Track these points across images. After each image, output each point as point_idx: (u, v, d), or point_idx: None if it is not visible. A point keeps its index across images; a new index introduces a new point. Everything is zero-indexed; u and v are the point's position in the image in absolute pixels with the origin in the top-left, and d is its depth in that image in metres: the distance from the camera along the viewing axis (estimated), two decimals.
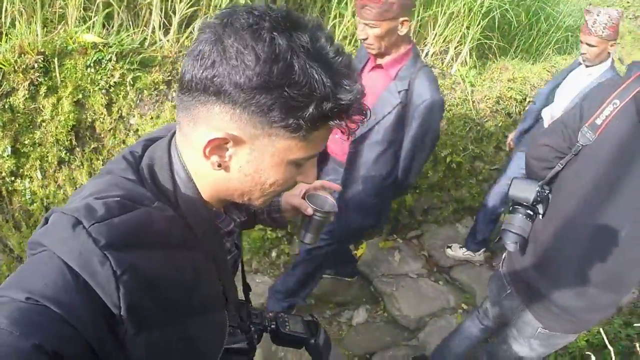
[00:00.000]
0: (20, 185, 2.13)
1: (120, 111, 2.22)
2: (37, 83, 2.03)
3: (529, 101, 3.20)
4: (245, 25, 0.53)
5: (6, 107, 2.00)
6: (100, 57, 2.08)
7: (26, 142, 2.08)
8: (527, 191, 1.29)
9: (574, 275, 1.29)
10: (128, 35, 2.21)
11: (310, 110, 0.54)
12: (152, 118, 2.25)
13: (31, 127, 2.08)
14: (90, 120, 2.18)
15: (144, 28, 2.32)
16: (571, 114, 1.32)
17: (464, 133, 2.95)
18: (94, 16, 2.16)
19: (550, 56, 3.63)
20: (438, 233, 3.09)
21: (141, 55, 2.17)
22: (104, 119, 2.20)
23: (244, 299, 0.94)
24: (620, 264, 1.24)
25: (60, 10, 2.21)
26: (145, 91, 2.20)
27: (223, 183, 0.64)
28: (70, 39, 2.09)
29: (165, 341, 0.59)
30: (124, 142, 2.26)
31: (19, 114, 2.03)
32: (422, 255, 2.96)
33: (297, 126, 0.56)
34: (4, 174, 2.08)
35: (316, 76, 0.53)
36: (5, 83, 1.98)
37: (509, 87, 3.10)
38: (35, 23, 2.07)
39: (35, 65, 2.00)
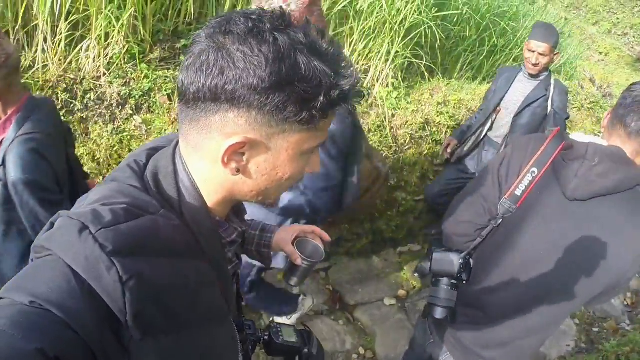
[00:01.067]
0: None
1: None
2: None
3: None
4: (246, 29, 0.55)
5: None
6: None
7: None
8: (450, 265, 1.28)
9: (499, 333, 1.33)
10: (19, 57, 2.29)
11: (321, 99, 0.57)
12: None
13: None
14: None
15: (37, 48, 2.40)
16: (489, 183, 1.31)
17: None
18: None
19: None
20: (348, 267, 2.95)
21: (23, 80, 2.24)
22: None
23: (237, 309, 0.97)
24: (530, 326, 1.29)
25: None
26: None
27: (239, 186, 0.66)
28: None
29: (176, 349, 0.61)
30: None
31: None
32: (327, 290, 2.84)
33: (311, 117, 0.59)
34: None
35: (319, 68, 0.56)
36: None
37: (438, 111, 2.90)
38: None
39: None
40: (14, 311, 0.49)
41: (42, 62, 2.29)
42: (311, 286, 2.81)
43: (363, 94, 0.66)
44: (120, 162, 2.49)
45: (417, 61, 2.86)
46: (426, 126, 2.88)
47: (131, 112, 2.36)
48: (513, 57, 3.32)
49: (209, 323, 0.68)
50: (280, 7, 0.62)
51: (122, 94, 2.33)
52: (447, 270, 1.30)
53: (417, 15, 2.61)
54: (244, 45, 0.55)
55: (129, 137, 2.34)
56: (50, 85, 2.28)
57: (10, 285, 0.53)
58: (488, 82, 3.22)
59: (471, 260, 1.30)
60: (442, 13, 2.65)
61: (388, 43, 2.73)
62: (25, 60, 2.26)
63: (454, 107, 2.93)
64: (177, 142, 0.69)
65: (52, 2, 2.18)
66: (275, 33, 0.56)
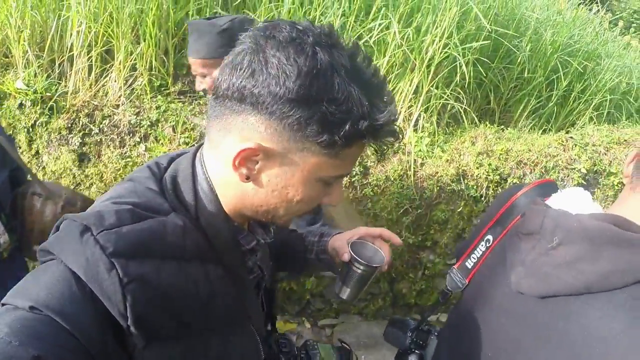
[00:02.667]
0: None
1: (37, 148, 2.58)
2: None
3: (513, 182, 2.48)
4: (288, 38, 0.55)
5: None
6: (22, 102, 2.49)
7: None
8: (399, 337, 1.17)
9: None
10: (52, 83, 2.58)
11: (347, 127, 0.55)
12: (55, 158, 2.55)
13: None
14: None
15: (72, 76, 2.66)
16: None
17: (395, 216, 2.45)
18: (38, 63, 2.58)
19: (584, 126, 2.75)
20: (358, 328, 2.60)
21: (50, 103, 2.50)
22: (24, 154, 2.59)
23: (270, 327, 0.95)
24: None
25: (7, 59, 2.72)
26: (52, 134, 2.52)
27: (249, 197, 0.64)
28: (9, 84, 2.56)
29: (186, 356, 0.60)
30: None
31: None
32: None
33: (331, 142, 0.57)
34: None
35: (354, 94, 0.55)
36: None
37: (478, 162, 2.46)
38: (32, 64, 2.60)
39: None
40: (13, 317, 0.49)
41: (74, 89, 2.51)
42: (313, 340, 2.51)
43: (397, 135, 0.61)
44: None
45: (455, 104, 2.49)
46: (462, 179, 2.46)
47: (139, 139, 2.45)
48: (594, 104, 2.73)
49: (223, 329, 0.66)
50: (330, 25, 0.60)
51: (132, 122, 2.44)
52: (398, 343, 1.16)
53: (447, 50, 2.29)
54: (282, 52, 0.54)
55: (132, 163, 2.42)
56: (75, 109, 2.49)
57: (13, 290, 0.53)
58: (556, 133, 2.68)
59: (432, 331, 1.12)
60: (469, 45, 2.28)
61: (418, 81, 2.44)
62: (64, 86, 2.52)
63: (499, 158, 2.47)
64: (199, 147, 0.70)
65: (84, 35, 2.40)
66: (317, 47, 0.54)
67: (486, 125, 2.63)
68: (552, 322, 0.71)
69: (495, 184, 2.48)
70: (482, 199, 2.51)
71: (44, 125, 2.50)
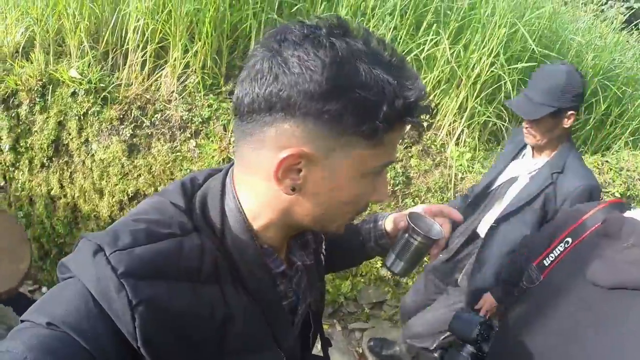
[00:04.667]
0: (17, 175, 2.79)
1: (87, 136, 2.69)
2: (35, 102, 2.65)
3: None
4: (301, 36, 0.54)
5: (13, 115, 2.65)
6: (75, 90, 2.59)
7: (22, 144, 2.71)
8: (467, 330, 1.23)
9: None
10: (106, 74, 2.68)
11: (384, 109, 0.54)
12: (105, 147, 2.66)
13: (27, 134, 2.70)
14: (65, 139, 2.70)
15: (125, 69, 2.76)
16: (522, 248, 1.29)
17: None
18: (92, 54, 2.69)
19: (619, 150, 2.85)
20: (388, 333, 2.69)
21: (103, 93, 2.60)
22: (74, 140, 2.69)
23: (322, 354, 0.94)
24: None
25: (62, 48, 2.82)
26: (104, 124, 2.62)
27: (295, 208, 0.62)
28: (63, 72, 2.66)
29: None
30: (83, 162, 2.72)
31: (20, 122, 2.66)
32: (355, 352, 2.63)
33: (373, 130, 0.55)
34: (7, 164, 2.76)
35: (381, 76, 0.54)
36: (16, 98, 2.65)
37: None
38: (47, 54, 2.71)
39: (36, 89, 2.63)
40: (30, 334, 0.50)
41: (127, 81, 2.61)
42: (340, 343, 2.60)
43: (430, 109, 0.60)
44: (172, 178, 2.67)
45: (497, 121, 2.59)
46: None
47: (189, 135, 2.55)
48: (631, 129, 2.83)
49: (242, 354, 0.64)
50: (336, 15, 0.59)
51: (184, 118, 2.53)
52: (464, 333, 1.24)
53: (494, 69, 2.39)
54: (300, 50, 0.53)
55: (182, 157, 2.51)
56: (128, 101, 2.59)
57: (33, 307, 0.54)
58: (593, 156, 2.77)
59: (494, 326, 1.24)
60: (514, 66, 2.38)
61: (463, 98, 2.54)
62: (117, 78, 2.63)
63: None
64: (231, 166, 0.69)
65: (142, 31, 2.51)
66: (332, 39, 0.54)
67: None
68: (615, 312, 0.84)
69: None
70: None
71: (95, 115, 2.59)
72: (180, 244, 0.58)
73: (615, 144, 2.85)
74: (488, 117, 2.61)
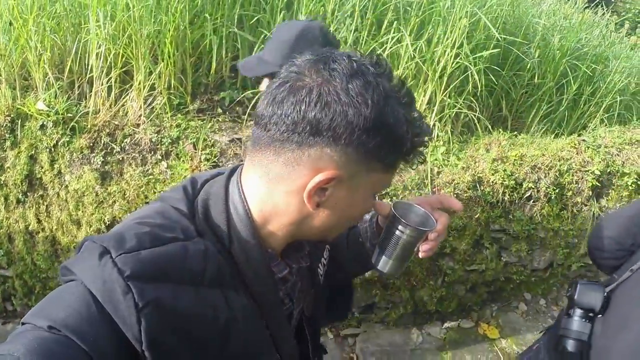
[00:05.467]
0: None
1: (59, 168, 2.67)
2: (5, 138, 2.64)
3: (529, 187, 2.56)
4: (352, 70, 0.59)
5: None
6: (43, 123, 2.58)
7: None
8: (593, 298, 1.30)
9: None
10: (73, 104, 2.67)
11: (408, 145, 0.64)
12: (78, 177, 2.64)
13: (0, 170, 2.70)
14: (38, 172, 2.68)
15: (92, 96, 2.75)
16: None
17: None
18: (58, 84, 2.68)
19: (595, 128, 2.83)
20: (380, 336, 2.67)
21: (72, 123, 2.59)
22: (47, 173, 2.68)
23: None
24: None
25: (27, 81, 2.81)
26: (74, 154, 2.61)
27: (309, 221, 0.66)
28: (30, 105, 2.66)
29: None
30: (58, 195, 2.70)
31: None
32: (349, 358, 2.60)
33: (395, 161, 0.66)
34: None
35: (403, 115, 0.62)
36: None
37: (493, 169, 2.55)
38: (14, 89, 2.70)
39: (5, 124, 2.62)
40: (31, 337, 0.50)
41: (94, 109, 2.60)
42: (334, 351, 2.58)
43: (427, 143, 0.69)
44: (146, 202, 2.65)
45: (468, 112, 2.58)
46: (478, 186, 2.54)
47: (160, 157, 2.54)
48: (604, 106, 2.82)
49: (241, 357, 0.66)
50: (377, 56, 0.65)
51: (154, 140, 2.52)
52: (590, 304, 1.30)
53: (459, 60, 2.38)
54: (351, 83, 0.58)
55: (154, 180, 2.50)
56: (96, 129, 2.58)
57: (34, 309, 0.54)
58: (569, 137, 2.76)
59: (611, 295, 1.29)
60: (479, 54, 2.38)
61: (431, 92, 2.53)
62: (84, 107, 2.62)
63: (513, 164, 2.55)
64: (234, 170, 0.71)
65: (104, 57, 2.50)
66: (378, 79, 0.60)
67: (499, 132, 2.71)
68: None
69: (511, 189, 2.55)
70: (499, 204, 2.59)
71: (65, 145, 2.58)
72: (184, 248, 0.59)
73: (591, 122, 2.84)
74: (459, 109, 2.60)
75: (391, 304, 2.71)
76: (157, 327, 0.53)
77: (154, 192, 2.52)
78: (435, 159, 2.59)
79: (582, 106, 2.86)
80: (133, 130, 2.58)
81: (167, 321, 0.55)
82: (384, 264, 0.77)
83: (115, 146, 2.54)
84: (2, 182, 2.65)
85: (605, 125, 2.82)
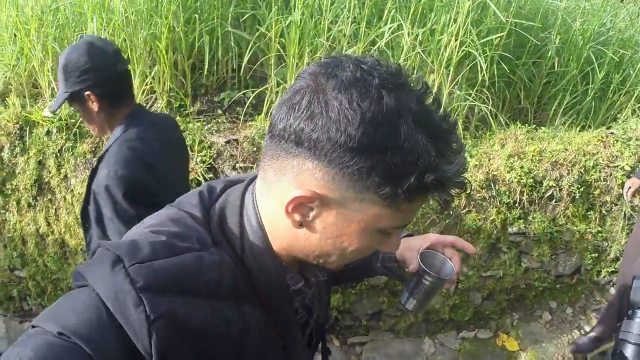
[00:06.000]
0: (8, 217, 2.86)
1: (65, 172, 2.71)
2: (15, 145, 2.72)
3: (550, 186, 2.34)
4: (352, 78, 0.51)
5: None
6: (49, 129, 2.63)
7: (8, 186, 2.78)
8: None
9: None
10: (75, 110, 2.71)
11: (412, 180, 0.51)
12: (82, 181, 2.67)
13: (12, 176, 2.77)
14: (46, 177, 2.74)
15: None
16: None
17: (422, 228, 2.35)
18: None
19: (627, 119, 2.56)
20: (390, 345, 2.51)
21: (74, 129, 2.62)
22: (54, 178, 2.73)
23: None
24: None
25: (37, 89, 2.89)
26: (78, 158, 2.64)
27: (301, 241, 0.62)
28: (37, 113, 2.72)
29: None
30: (64, 198, 2.74)
31: (5, 166, 2.74)
32: None
33: (393, 195, 0.53)
34: None
35: (421, 143, 0.51)
36: None
37: (509, 166, 2.34)
38: (24, 97, 2.78)
39: (14, 131, 2.70)
40: (40, 342, 0.49)
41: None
42: (341, 359, 2.46)
43: (464, 186, 0.56)
44: None
45: (480, 105, 2.40)
46: (492, 185, 2.35)
47: None
48: (636, 95, 2.54)
49: None
50: (398, 64, 0.55)
51: None
52: None
53: (465, 48, 2.21)
54: (344, 94, 0.50)
55: None
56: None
57: (44, 313, 0.54)
58: (596, 130, 2.51)
59: None
60: (486, 39, 2.19)
61: (438, 84, 2.37)
62: None
63: (531, 160, 2.34)
64: (253, 179, 0.67)
65: None
66: (383, 91, 0.50)
67: (516, 126, 2.50)
68: None
69: (530, 188, 2.34)
70: (516, 205, 2.38)
71: (70, 150, 2.62)
72: (200, 259, 0.57)
73: (621, 113, 2.57)
74: (472, 102, 2.42)
75: (400, 311, 2.55)
76: (168, 340, 0.52)
77: None
78: None
79: (611, 96, 2.60)
80: None
81: (179, 335, 0.54)
82: (412, 305, 0.90)
83: None
84: (14, 187, 2.73)
85: (637, 116, 2.55)
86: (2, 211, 2.81)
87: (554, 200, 2.39)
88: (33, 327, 0.52)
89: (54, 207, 2.77)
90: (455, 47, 2.23)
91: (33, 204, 2.76)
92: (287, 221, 0.59)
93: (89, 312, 0.51)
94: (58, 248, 2.77)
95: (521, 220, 2.41)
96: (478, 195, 2.35)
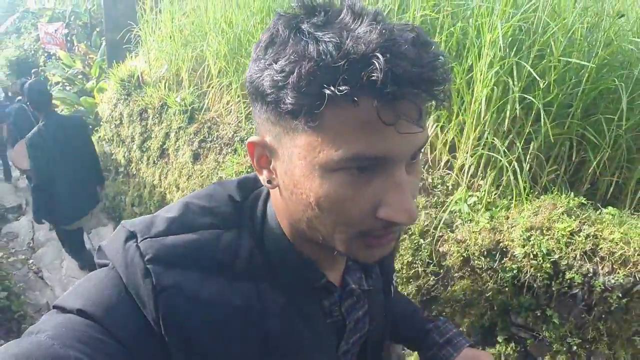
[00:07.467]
0: (142, 167, 3.99)
1: (178, 145, 3.57)
2: (156, 117, 3.78)
3: (570, 279, 1.74)
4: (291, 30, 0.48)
5: (143, 124, 3.96)
6: (175, 111, 3.54)
7: (145, 145, 3.90)
8: None
9: None
10: (195, 100, 3.51)
11: (294, 74, 0.44)
12: (183, 154, 3.45)
13: (149, 139, 3.87)
14: (167, 145, 3.67)
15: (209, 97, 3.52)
16: None
17: (404, 275, 2.09)
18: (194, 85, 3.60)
19: None
20: None
21: (188, 114, 3.41)
22: (171, 147, 3.63)
23: None
24: None
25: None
26: (186, 136, 3.43)
27: (287, 210, 0.58)
28: (171, 97, 3.68)
29: None
30: (172, 164, 3.59)
31: (147, 130, 3.91)
32: None
33: (296, 105, 0.46)
34: (137, 158, 3.99)
35: (318, 39, 0.44)
36: (146, 113, 3.87)
37: (525, 239, 1.85)
38: (170, 86, 3.79)
39: (157, 108, 3.76)
40: (60, 320, 0.50)
41: (207, 106, 3.37)
42: None
43: (436, 77, 0.46)
44: (210, 183, 3.45)
45: (506, 158, 1.98)
46: (502, 256, 1.93)
47: (231, 151, 3.08)
48: None
49: (288, 356, 0.59)
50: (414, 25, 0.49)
51: (229, 136, 3.07)
52: None
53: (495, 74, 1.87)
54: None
55: (218, 167, 3.08)
56: (202, 121, 3.34)
57: (67, 293, 0.54)
58: None
59: None
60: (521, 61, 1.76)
61: (469, 125, 2.08)
62: (202, 104, 3.44)
63: (558, 241, 1.80)
64: None
65: (217, 69, 3.21)
66: (302, 25, 0.47)
67: (567, 195, 1.94)
68: None
69: (546, 276, 1.80)
70: (525, 292, 1.87)
71: (184, 129, 3.44)
72: (217, 237, 0.57)
73: None
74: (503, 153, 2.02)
75: None
76: (176, 312, 0.51)
77: (216, 176, 3.08)
78: (459, 210, 2.10)
79: None
80: (224, 127, 3.20)
81: (188, 306, 0.52)
82: None
83: (208, 137, 3.23)
84: (149, 146, 3.76)
85: None
86: (139, 162, 3.92)
87: (582, 303, 1.77)
88: (54, 307, 0.53)
89: (166, 169, 3.69)
90: (490, 78, 1.92)
91: (156, 162, 3.75)
92: (268, 185, 0.57)
93: (108, 289, 0.52)
94: (161, 199, 3.67)
95: (530, 313, 1.88)
96: (476, 262, 1.96)
